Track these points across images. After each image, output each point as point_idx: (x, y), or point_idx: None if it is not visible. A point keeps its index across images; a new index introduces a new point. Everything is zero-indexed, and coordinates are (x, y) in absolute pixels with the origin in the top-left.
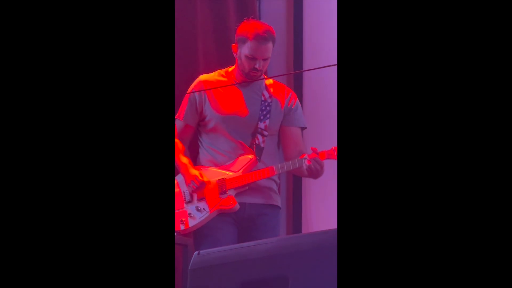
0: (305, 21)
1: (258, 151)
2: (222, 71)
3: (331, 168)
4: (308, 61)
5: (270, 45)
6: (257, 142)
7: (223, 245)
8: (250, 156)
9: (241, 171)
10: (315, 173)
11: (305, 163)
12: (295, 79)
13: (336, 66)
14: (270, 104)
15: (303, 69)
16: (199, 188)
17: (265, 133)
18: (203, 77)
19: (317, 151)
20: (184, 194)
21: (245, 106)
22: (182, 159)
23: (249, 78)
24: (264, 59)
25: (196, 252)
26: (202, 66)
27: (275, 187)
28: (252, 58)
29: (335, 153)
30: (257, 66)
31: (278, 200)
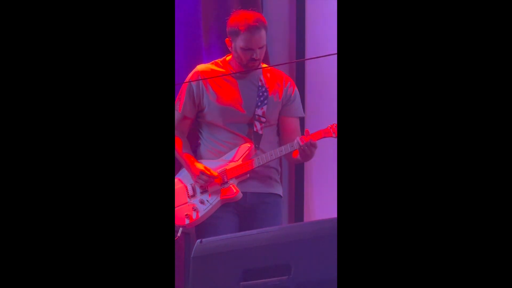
0: (308, 12)
1: (256, 138)
2: (219, 61)
3: (332, 156)
4: (310, 51)
5: (263, 33)
6: (255, 129)
7: (224, 234)
8: (249, 145)
9: (240, 159)
10: (308, 155)
11: (299, 142)
12: (297, 69)
13: (336, 55)
14: (267, 90)
15: (305, 58)
16: (208, 182)
17: (263, 119)
18: (200, 67)
19: (309, 132)
20: (187, 189)
21: (242, 95)
22: (184, 154)
23: (248, 68)
24: (260, 48)
25: (198, 240)
26: (205, 61)
27: (276, 176)
28: (248, 49)
29: (332, 130)
30: (254, 56)
31: (279, 189)
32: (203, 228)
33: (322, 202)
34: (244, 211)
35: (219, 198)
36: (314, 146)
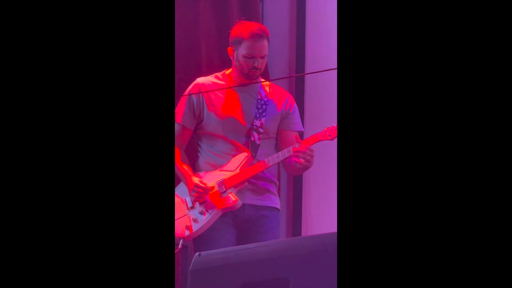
0: (308, 24)
1: (254, 147)
2: (219, 74)
3: (331, 171)
4: (310, 64)
5: (265, 42)
6: (252, 139)
7: (222, 247)
8: (246, 154)
9: (238, 168)
10: (308, 160)
11: (290, 151)
12: (297, 82)
13: (336, 70)
14: (266, 103)
15: (305, 72)
16: (202, 195)
17: (261, 130)
18: (200, 79)
19: (299, 140)
20: (186, 202)
21: (242, 108)
22: (182, 167)
23: (249, 78)
24: (262, 57)
25: (196, 253)
26: (204, 68)
27: (274, 189)
28: (250, 57)
29: (328, 133)
30: (256, 64)
31: (277, 202)
32: (201, 241)
33: (320, 216)
34: (242, 224)
35: (218, 208)
36: (310, 150)
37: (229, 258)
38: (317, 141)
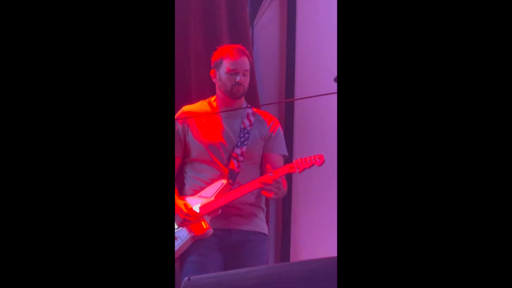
0: (298, 49)
1: (232, 175)
2: (204, 102)
3: (319, 195)
4: (300, 89)
5: (246, 59)
6: (231, 167)
7: (209, 272)
8: (224, 181)
9: (213, 196)
10: (276, 193)
11: (260, 182)
12: (286, 107)
13: (336, 94)
14: (249, 131)
15: (295, 97)
16: (188, 218)
17: (241, 158)
18: (186, 108)
19: (271, 169)
20: None
21: (226, 135)
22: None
23: (233, 95)
24: (244, 73)
25: (186, 278)
26: (194, 93)
27: (261, 214)
28: (233, 73)
29: (296, 166)
30: (238, 79)
31: (264, 228)
32: (187, 265)
33: (309, 242)
34: (229, 249)
35: (190, 235)
36: (277, 182)
37: (218, 283)
38: (286, 173)
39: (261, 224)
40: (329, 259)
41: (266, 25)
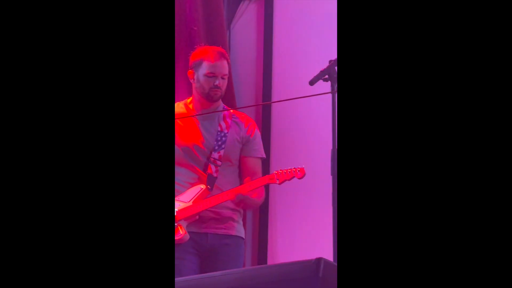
0: (275, 51)
1: (210, 180)
2: (180, 103)
3: (296, 199)
4: (277, 92)
5: (226, 63)
6: (209, 171)
7: (185, 275)
8: (202, 186)
9: (191, 201)
10: (247, 206)
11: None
12: (263, 110)
13: (333, 93)
14: (226, 134)
15: (272, 100)
16: None
17: (218, 162)
18: None
19: (249, 180)
20: None
21: (203, 138)
22: None
23: (210, 98)
24: (223, 77)
25: None
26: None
27: (239, 218)
28: (212, 76)
29: (276, 177)
30: (217, 83)
31: (241, 231)
32: None
33: (286, 245)
34: (205, 253)
35: None
36: (245, 198)
37: (193, 287)
38: (265, 184)
39: (238, 228)
40: (306, 262)
41: (243, 29)
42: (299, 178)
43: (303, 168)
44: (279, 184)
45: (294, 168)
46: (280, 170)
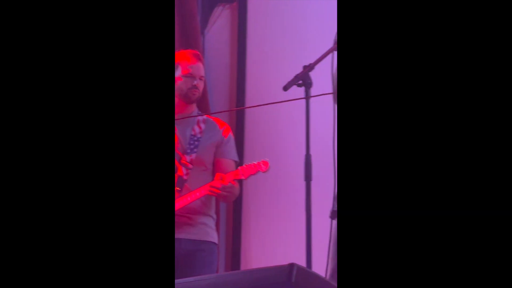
0: (249, 56)
1: (180, 182)
2: None
3: (270, 205)
4: (250, 97)
5: (202, 65)
6: (179, 173)
7: None
8: None
9: None
10: (226, 196)
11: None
12: (237, 115)
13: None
14: (199, 139)
15: (246, 105)
16: None
17: (190, 166)
18: None
19: (223, 176)
20: None
21: (177, 141)
22: None
23: (188, 99)
24: (200, 78)
25: None
26: None
27: (212, 223)
28: (190, 77)
29: (241, 172)
30: (195, 83)
31: (214, 237)
32: None
33: (260, 250)
34: (179, 258)
35: None
36: (226, 187)
37: None
38: (232, 179)
39: (211, 233)
40: (279, 267)
41: (217, 33)
42: (264, 172)
43: (267, 160)
44: (245, 179)
45: (258, 162)
46: (245, 165)
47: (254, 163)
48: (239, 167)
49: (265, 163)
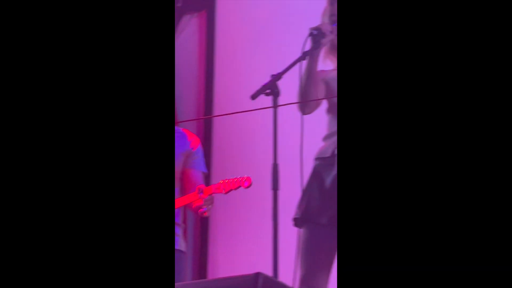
0: (217, 66)
1: None
2: None
3: (238, 214)
4: (218, 106)
5: None
6: None
7: None
8: None
9: None
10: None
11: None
12: (205, 124)
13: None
14: None
15: (213, 114)
16: None
17: None
18: None
19: (204, 188)
20: None
21: None
22: None
23: None
24: None
25: None
26: None
27: (179, 231)
28: None
29: (222, 187)
30: None
31: (182, 245)
32: None
33: (227, 259)
34: None
35: None
36: (208, 200)
37: None
38: (211, 193)
39: (179, 241)
40: (245, 276)
41: (185, 42)
42: (245, 188)
43: (250, 177)
44: (225, 193)
45: (240, 177)
46: (227, 180)
47: (237, 178)
48: (220, 181)
49: (248, 180)
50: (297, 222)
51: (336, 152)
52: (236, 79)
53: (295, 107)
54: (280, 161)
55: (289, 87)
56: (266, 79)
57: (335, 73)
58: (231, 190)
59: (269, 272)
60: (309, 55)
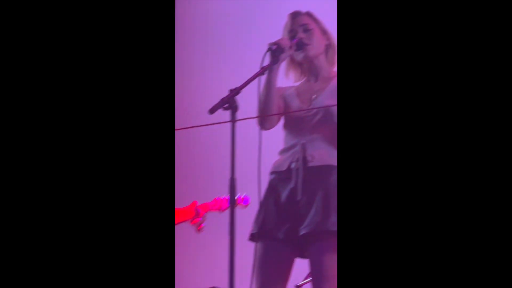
0: (176, 79)
1: None
2: None
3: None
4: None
5: None
6: None
7: None
8: None
9: None
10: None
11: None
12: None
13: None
14: None
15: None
16: None
17: None
18: None
19: (198, 207)
20: None
21: None
22: None
23: None
24: None
25: None
26: None
27: None
28: None
29: (218, 204)
30: None
31: None
32: None
33: (184, 273)
34: None
35: None
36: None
37: None
38: (208, 211)
39: None
40: None
41: None
42: (245, 206)
43: (248, 197)
44: (223, 211)
45: (239, 196)
46: (224, 198)
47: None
48: (216, 198)
49: (246, 199)
50: (253, 237)
51: (292, 166)
52: (195, 93)
53: (253, 122)
54: (238, 175)
55: (248, 101)
56: (225, 93)
57: (293, 90)
58: (227, 208)
59: (225, 286)
60: (268, 70)
